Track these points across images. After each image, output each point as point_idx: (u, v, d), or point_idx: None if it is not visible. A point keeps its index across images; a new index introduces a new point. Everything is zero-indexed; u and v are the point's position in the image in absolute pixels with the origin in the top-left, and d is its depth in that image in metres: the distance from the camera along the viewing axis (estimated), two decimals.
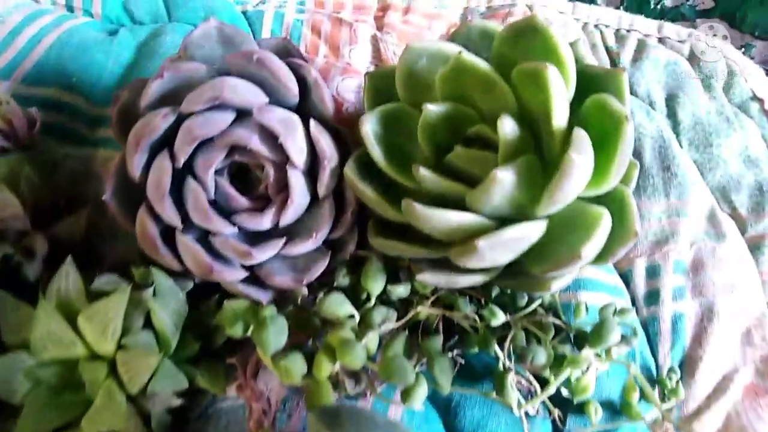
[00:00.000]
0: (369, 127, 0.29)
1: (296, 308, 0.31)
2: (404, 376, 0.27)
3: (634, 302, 0.35)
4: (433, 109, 0.28)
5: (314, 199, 0.31)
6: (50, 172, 0.34)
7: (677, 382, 0.32)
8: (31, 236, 0.31)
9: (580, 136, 0.25)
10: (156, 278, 0.29)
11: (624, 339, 0.30)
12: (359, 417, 0.25)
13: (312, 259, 0.31)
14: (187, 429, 0.30)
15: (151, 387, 0.27)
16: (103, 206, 0.30)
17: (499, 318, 0.30)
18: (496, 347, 0.30)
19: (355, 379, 0.29)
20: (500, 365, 0.30)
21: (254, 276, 0.30)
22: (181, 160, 0.28)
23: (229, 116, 0.29)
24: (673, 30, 0.46)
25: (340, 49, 0.43)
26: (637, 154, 0.38)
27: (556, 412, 0.30)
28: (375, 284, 0.30)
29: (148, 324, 0.28)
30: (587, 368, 0.30)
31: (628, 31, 0.46)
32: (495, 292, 0.32)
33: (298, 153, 0.29)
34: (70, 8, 0.44)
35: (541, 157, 0.28)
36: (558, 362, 0.30)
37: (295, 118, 0.30)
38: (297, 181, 0.29)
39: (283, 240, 0.30)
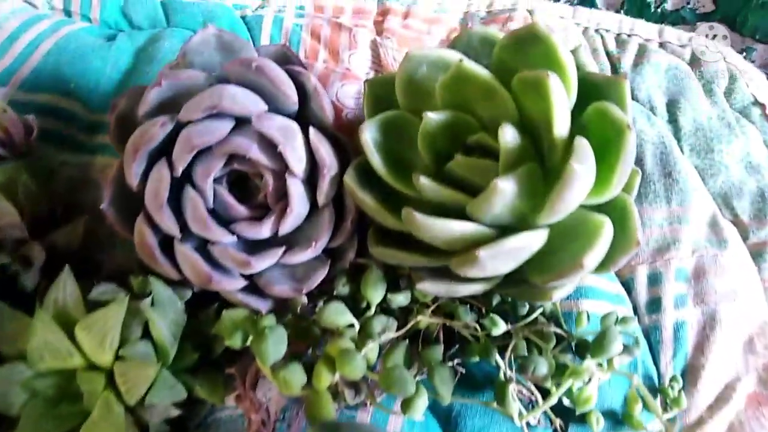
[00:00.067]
0: (369, 135, 0.29)
1: (295, 317, 0.31)
2: (404, 386, 0.27)
3: (635, 310, 0.35)
4: (433, 117, 0.28)
5: (314, 208, 0.31)
6: (47, 180, 0.34)
7: (679, 391, 0.32)
8: (29, 245, 0.30)
9: (582, 145, 0.25)
10: (154, 288, 0.29)
11: (626, 349, 0.30)
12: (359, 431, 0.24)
13: (311, 268, 0.30)
14: None
15: (149, 398, 0.27)
16: (101, 214, 0.29)
17: (500, 327, 0.30)
18: (497, 357, 0.30)
19: (355, 390, 0.29)
20: (501, 375, 0.30)
21: (253, 285, 0.30)
22: (180, 169, 0.28)
23: (228, 124, 0.28)
24: (674, 34, 0.45)
25: (340, 54, 0.42)
26: (639, 160, 0.38)
27: (558, 421, 0.30)
28: (375, 293, 0.30)
29: (147, 334, 0.28)
30: (589, 379, 0.30)
31: (628, 35, 0.45)
32: (496, 300, 0.32)
33: (297, 161, 0.29)
34: (68, 13, 0.44)
35: (542, 165, 0.28)
36: (559, 372, 0.30)
37: (295, 126, 0.29)
38: (296, 190, 0.29)
39: (283, 249, 0.30)
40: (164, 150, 0.29)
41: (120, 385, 0.27)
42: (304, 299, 0.31)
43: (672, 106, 0.41)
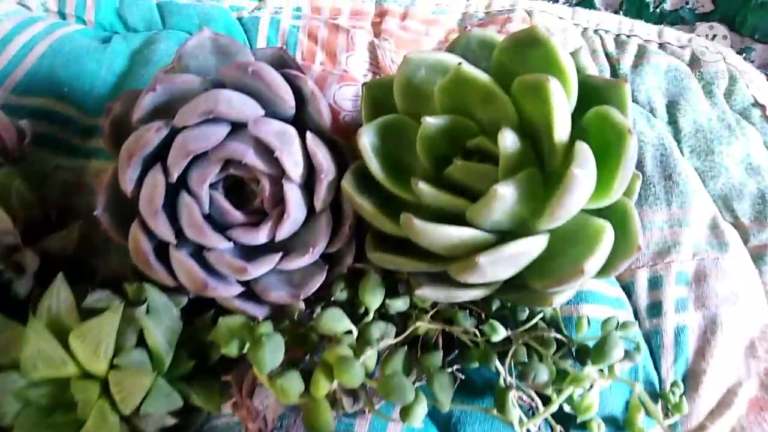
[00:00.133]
0: (367, 140, 0.29)
1: (293, 323, 0.31)
2: (403, 393, 0.27)
3: (636, 314, 0.35)
4: (432, 121, 0.28)
5: (311, 213, 0.30)
6: (41, 185, 0.33)
7: (681, 396, 0.32)
8: (21, 251, 0.30)
9: (583, 150, 0.25)
10: (149, 294, 0.28)
11: (627, 354, 0.30)
12: None
13: (309, 274, 0.30)
14: None
15: (144, 407, 0.26)
16: (96, 219, 0.29)
17: (500, 333, 0.30)
18: (497, 363, 0.30)
19: (353, 397, 0.28)
20: (501, 381, 0.30)
21: (250, 291, 0.30)
22: (175, 175, 0.28)
23: (224, 129, 0.28)
24: (673, 35, 0.45)
25: (337, 55, 0.42)
26: (638, 162, 0.38)
27: (559, 428, 0.30)
28: (373, 298, 0.30)
29: (142, 342, 0.28)
30: (591, 386, 0.29)
31: (628, 36, 0.45)
32: (495, 305, 0.32)
33: (294, 166, 0.28)
34: (63, 15, 0.43)
35: (542, 170, 0.28)
36: (560, 378, 0.30)
37: (292, 131, 0.29)
38: (293, 195, 0.29)
39: (280, 254, 0.29)
40: (159, 155, 0.28)
41: (115, 394, 0.26)
42: (302, 305, 0.31)
43: (672, 108, 0.41)
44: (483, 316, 0.32)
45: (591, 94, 0.27)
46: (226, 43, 0.31)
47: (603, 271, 0.26)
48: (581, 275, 0.25)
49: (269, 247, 0.30)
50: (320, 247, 0.30)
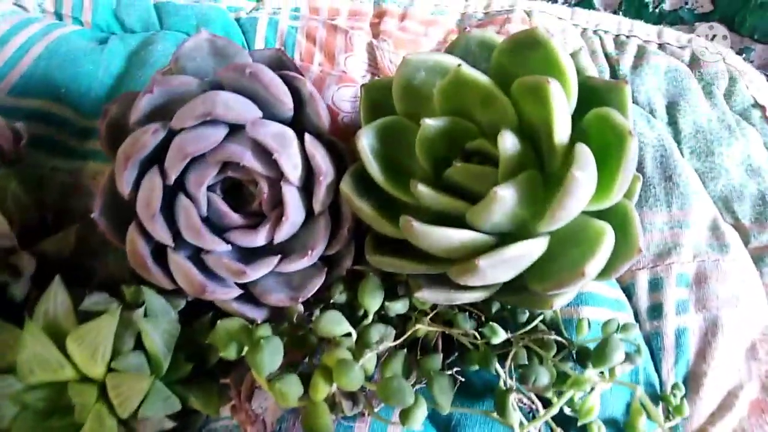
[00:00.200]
0: (366, 142, 0.28)
1: (291, 326, 0.30)
2: (403, 396, 0.26)
3: (636, 316, 0.35)
4: (431, 123, 0.27)
5: (309, 215, 0.30)
6: (38, 187, 0.33)
7: (682, 398, 0.32)
8: (18, 254, 0.30)
9: (583, 152, 0.25)
10: (147, 297, 0.28)
11: (628, 357, 0.30)
12: None
13: (308, 276, 0.30)
14: None
15: (142, 411, 0.26)
16: (93, 221, 0.29)
17: (500, 336, 0.30)
18: (497, 365, 0.30)
19: (353, 400, 0.28)
20: (501, 384, 0.29)
21: (248, 294, 0.30)
22: (172, 178, 0.27)
23: (222, 132, 0.28)
24: (673, 36, 0.45)
25: (336, 56, 0.42)
26: (639, 163, 0.38)
27: (559, 431, 0.30)
28: (372, 301, 0.30)
29: (139, 345, 0.28)
30: (591, 389, 0.29)
31: (627, 36, 0.45)
32: (495, 307, 0.32)
33: (292, 169, 0.28)
34: (60, 16, 0.43)
35: (542, 172, 0.28)
36: (560, 381, 0.29)
37: (290, 133, 0.29)
38: (292, 197, 0.29)
39: (278, 257, 0.29)
40: (156, 158, 0.28)
41: (112, 397, 0.26)
42: (300, 308, 0.31)
43: (672, 109, 0.41)
44: (483, 318, 0.32)
45: (591, 95, 0.27)
46: (224, 45, 0.31)
47: (603, 273, 0.26)
48: (582, 277, 0.25)
49: (268, 250, 0.30)
50: (319, 249, 0.29)
